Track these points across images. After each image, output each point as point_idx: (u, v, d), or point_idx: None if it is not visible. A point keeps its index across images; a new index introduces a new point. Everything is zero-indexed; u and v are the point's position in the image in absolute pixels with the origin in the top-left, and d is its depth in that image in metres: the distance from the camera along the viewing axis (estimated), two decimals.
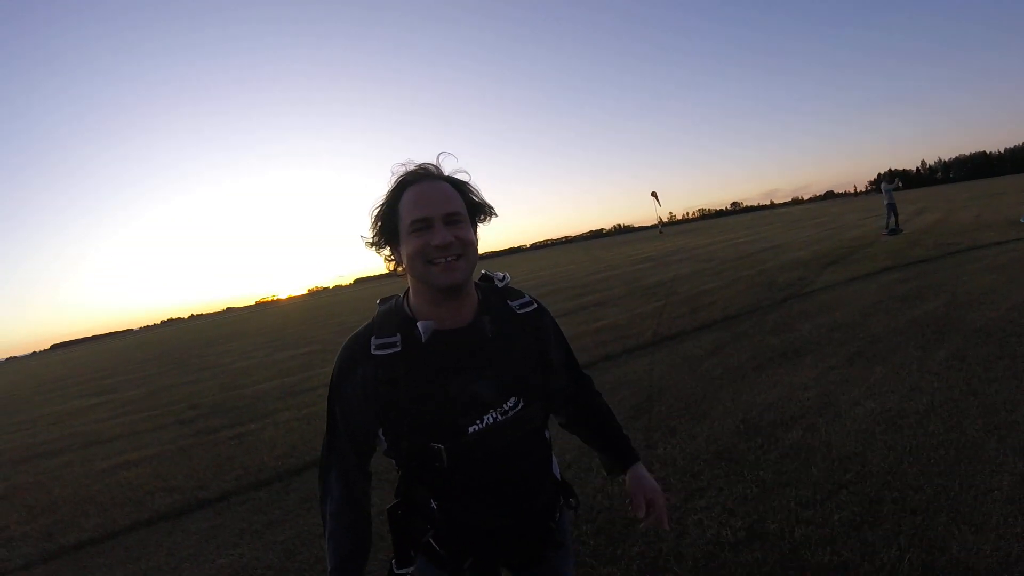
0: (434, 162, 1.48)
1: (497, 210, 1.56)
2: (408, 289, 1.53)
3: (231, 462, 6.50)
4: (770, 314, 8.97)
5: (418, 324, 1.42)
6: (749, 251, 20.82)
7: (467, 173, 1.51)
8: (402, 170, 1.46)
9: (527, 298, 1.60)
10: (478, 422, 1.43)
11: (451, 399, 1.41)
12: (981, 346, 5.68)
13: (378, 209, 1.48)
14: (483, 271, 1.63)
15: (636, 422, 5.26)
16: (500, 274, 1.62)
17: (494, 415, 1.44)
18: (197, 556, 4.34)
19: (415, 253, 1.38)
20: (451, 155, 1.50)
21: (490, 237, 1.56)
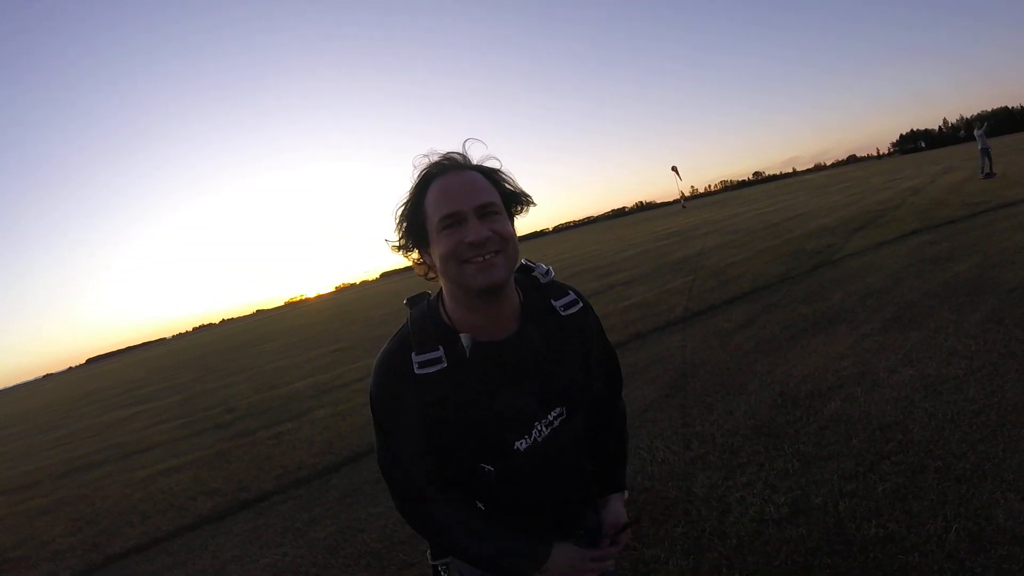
0: (460, 150, 1.32)
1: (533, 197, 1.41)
2: (440, 292, 1.40)
3: (270, 462, 6.58)
4: (800, 283, 8.83)
5: (461, 337, 1.30)
6: (774, 220, 20.49)
7: (498, 160, 1.35)
8: (425, 162, 1.31)
9: (572, 295, 1.48)
10: (525, 437, 1.37)
11: (497, 416, 1.33)
12: (1017, 306, 5.52)
13: (402, 208, 1.33)
14: (522, 260, 1.47)
15: (671, 400, 5.22)
16: (543, 267, 1.50)
17: (539, 428, 1.38)
18: (241, 557, 4.40)
19: (447, 254, 1.24)
20: (479, 141, 1.34)
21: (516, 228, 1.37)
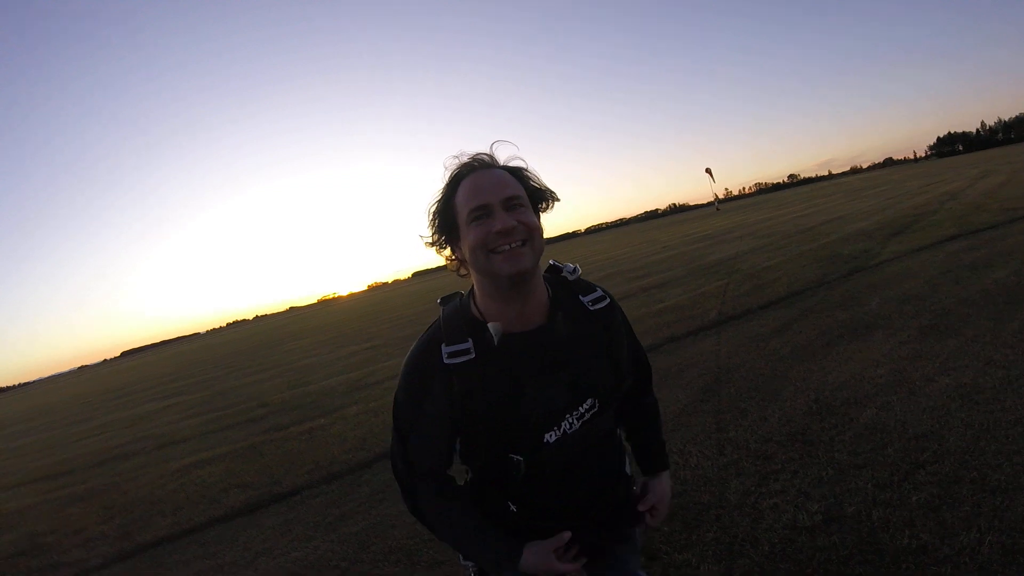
0: (488, 151, 1.41)
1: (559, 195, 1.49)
2: (472, 288, 1.46)
3: (302, 457, 6.66)
4: (836, 288, 8.70)
5: (488, 326, 1.36)
6: (810, 224, 20.24)
7: (523, 160, 1.44)
8: (455, 163, 1.40)
9: (599, 292, 1.53)
10: (555, 429, 1.39)
11: (527, 407, 1.36)
12: None
13: (434, 206, 1.43)
14: (551, 262, 1.56)
15: (705, 404, 5.19)
16: (571, 266, 1.54)
17: (570, 421, 1.40)
18: (272, 550, 4.46)
19: (476, 244, 1.31)
20: (508, 142, 1.44)
21: (542, 224, 1.44)
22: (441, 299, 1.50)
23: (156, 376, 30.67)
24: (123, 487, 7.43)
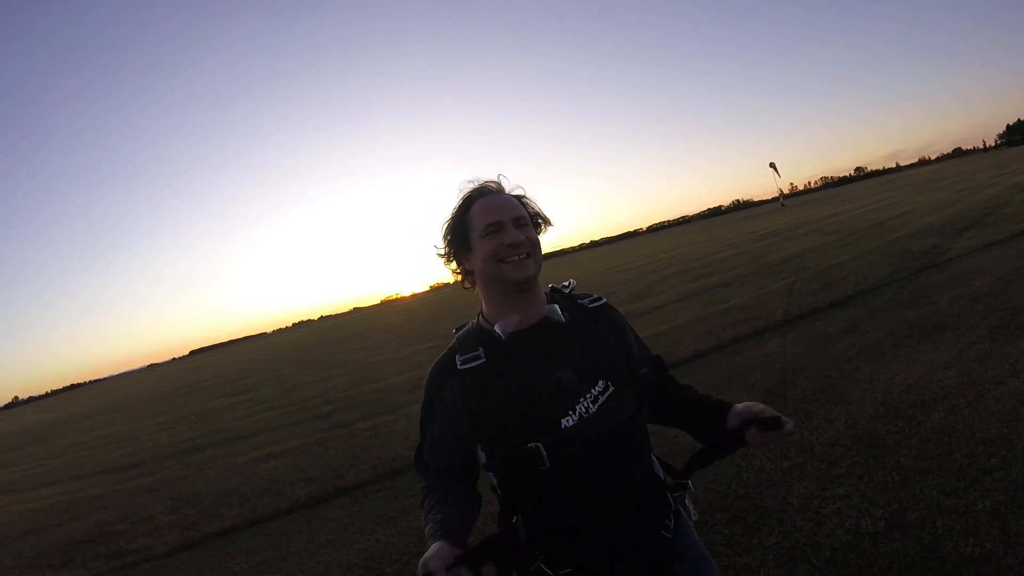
0: (495, 180, 1.63)
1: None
2: (481, 309, 1.64)
3: (366, 453, 6.84)
4: (906, 286, 8.45)
5: (496, 326, 1.51)
6: (878, 219, 19.58)
7: (523, 188, 1.66)
8: (469, 186, 1.61)
9: (595, 295, 1.68)
10: (571, 413, 1.44)
11: (537, 391, 1.45)
12: None
13: (449, 221, 1.63)
14: (550, 285, 1.73)
15: (770, 406, 5.11)
16: (566, 283, 1.72)
17: (585, 404, 1.45)
18: (335, 542, 4.62)
19: (488, 255, 1.51)
20: (506, 177, 1.65)
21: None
22: (456, 328, 1.66)
23: (225, 373, 31.64)
24: (191, 479, 7.74)
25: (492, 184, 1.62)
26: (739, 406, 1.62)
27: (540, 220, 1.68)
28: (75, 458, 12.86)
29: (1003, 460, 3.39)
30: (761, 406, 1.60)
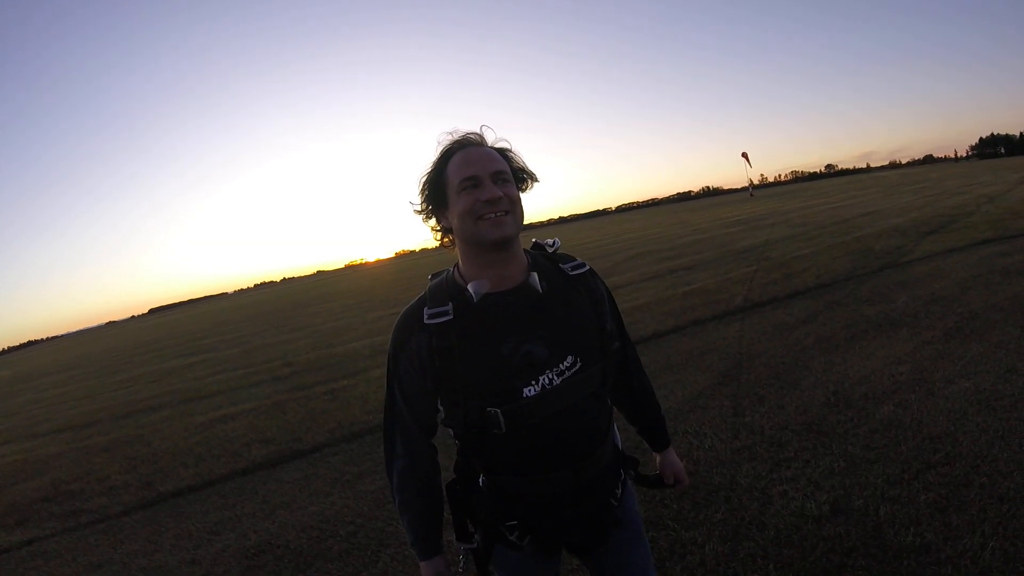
0: (478, 132, 1.53)
1: (544, 175, 1.63)
2: (457, 261, 1.55)
3: (324, 416, 6.82)
4: (866, 283, 8.62)
5: (468, 286, 1.43)
6: (844, 216, 19.85)
7: (508, 142, 1.56)
8: (448, 139, 1.51)
9: (578, 261, 1.60)
10: (533, 383, 1.42)
11: (504, 360, 1.41)
12: None
13: (426, 176, 1.53)
14: (534, 240, 1.66)
15: (724, 388, 5.23)
16: (551, 240, 1.64)
17: (550, 376, 1.43)
18: (290, 504, 4.61)
19: (465, 211, 1.42)
20: (490, 128, 1.55)
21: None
22: (432, 274, 1.61)
23: (184, 333, 31.17)
24: (148, 439, 7.65)
25: (473, 136, 1.52)
26: (664, 463, 1.95)
27: (525, 176, 1.57)
28: (31, 416, 12.61)
29: (948, 456, 3.49)
30: (680, 477, 1.97)
